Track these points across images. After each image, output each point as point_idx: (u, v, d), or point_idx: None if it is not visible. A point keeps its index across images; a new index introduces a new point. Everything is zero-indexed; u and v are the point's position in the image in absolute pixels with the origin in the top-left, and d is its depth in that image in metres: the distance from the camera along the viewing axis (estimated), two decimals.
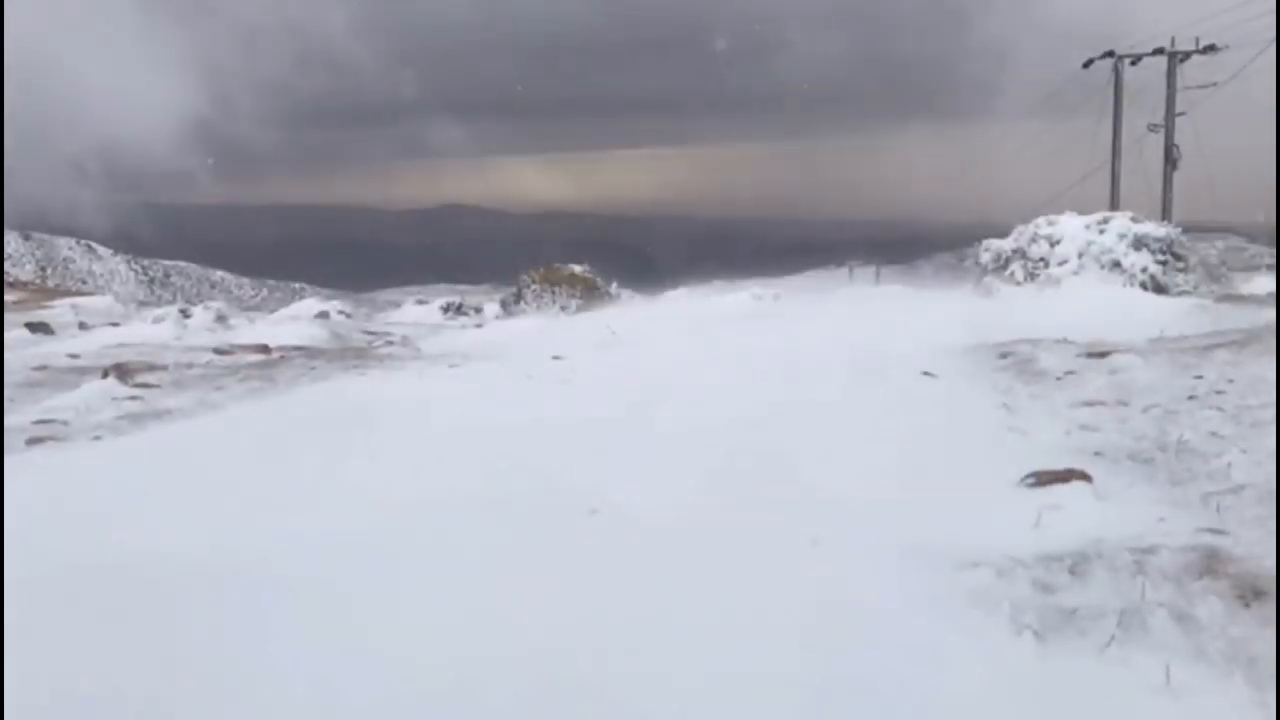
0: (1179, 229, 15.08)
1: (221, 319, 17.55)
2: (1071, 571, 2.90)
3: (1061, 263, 14.20)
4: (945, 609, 2.70)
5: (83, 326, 16.24)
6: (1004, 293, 13.80)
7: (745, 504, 3.77)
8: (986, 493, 3.80)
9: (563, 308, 21.53)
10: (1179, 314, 10.32)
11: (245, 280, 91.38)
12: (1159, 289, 13.54)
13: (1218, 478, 3.76)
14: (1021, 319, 9.55)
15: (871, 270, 46.55)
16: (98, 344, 12.91)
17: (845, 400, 5.89)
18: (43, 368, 9.41)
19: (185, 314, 17.31)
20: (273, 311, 26.00)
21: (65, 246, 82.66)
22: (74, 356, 10.86)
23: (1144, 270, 13.82)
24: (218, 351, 10.98)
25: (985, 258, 15.38)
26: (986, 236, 15.78)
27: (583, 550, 3.28)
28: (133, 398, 7.16)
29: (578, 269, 23.30)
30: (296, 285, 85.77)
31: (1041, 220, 15.15)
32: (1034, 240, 14.71)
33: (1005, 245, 15.14)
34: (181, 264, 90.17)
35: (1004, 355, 7.54)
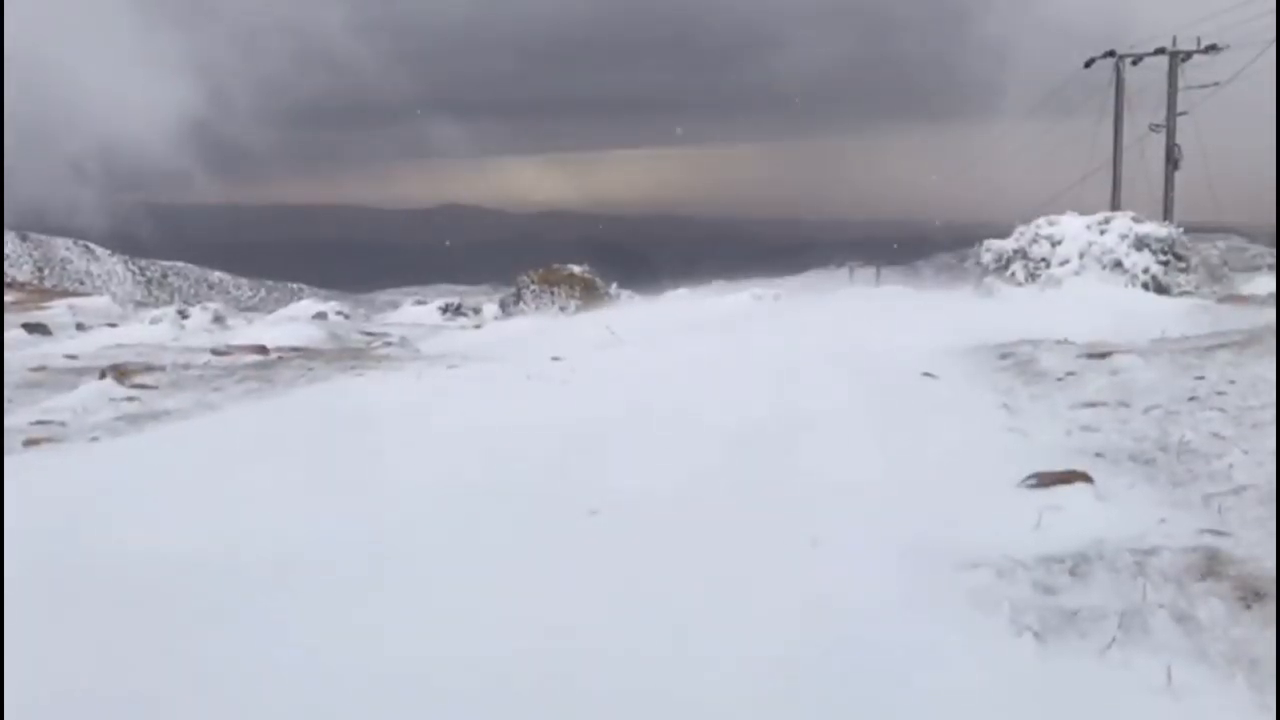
0: (1180, 229, 15.10)
1: (219, 320, 17.55)
2: (1072, 572, 2.88)
3: (1062, 263, 14.21)
4: (945, 610, 2.69)
5: (80, 327, 16.23)
6: (1005, 293, 13.80)
7: (745, 504, 3.76)
8: (987, 493, 3.78)
9: (562, 308, 21.53)
10: (1180, 314, 10.32)
11: (243, 281, 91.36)
12: (1160, 289, 13.55)
13: (1219, 479, 3.75)
14: (1022, 319, 9.53)
15: (872, 271, 46.53)
16: (95, 345, 12.91)
17: (845, 401, 5.87)
18: (40, 368, 9.40)
19: (183, 315, 17.32)
20: (270, 312, 26.02)
21: (63, 247, 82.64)
22: (71, 357, 10.85)
23: (1145, 270, 13.83)
24: (215, 352, 10.96)
25: (986, 258, 15.39)
26: (987, 237, 15.79)
27: (582, 550, 3.27)
28: (130, 399, 7.14)
29: (577, 269, 23.30)
30: (294, 286, 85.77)
31: (1042, 220, 15.17)
32: (1035, 240, 14.71)
33: (1006, 245, 15.15)
34: (179, 264, 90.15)
35: (1005, 356, 7.53)
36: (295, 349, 11.94)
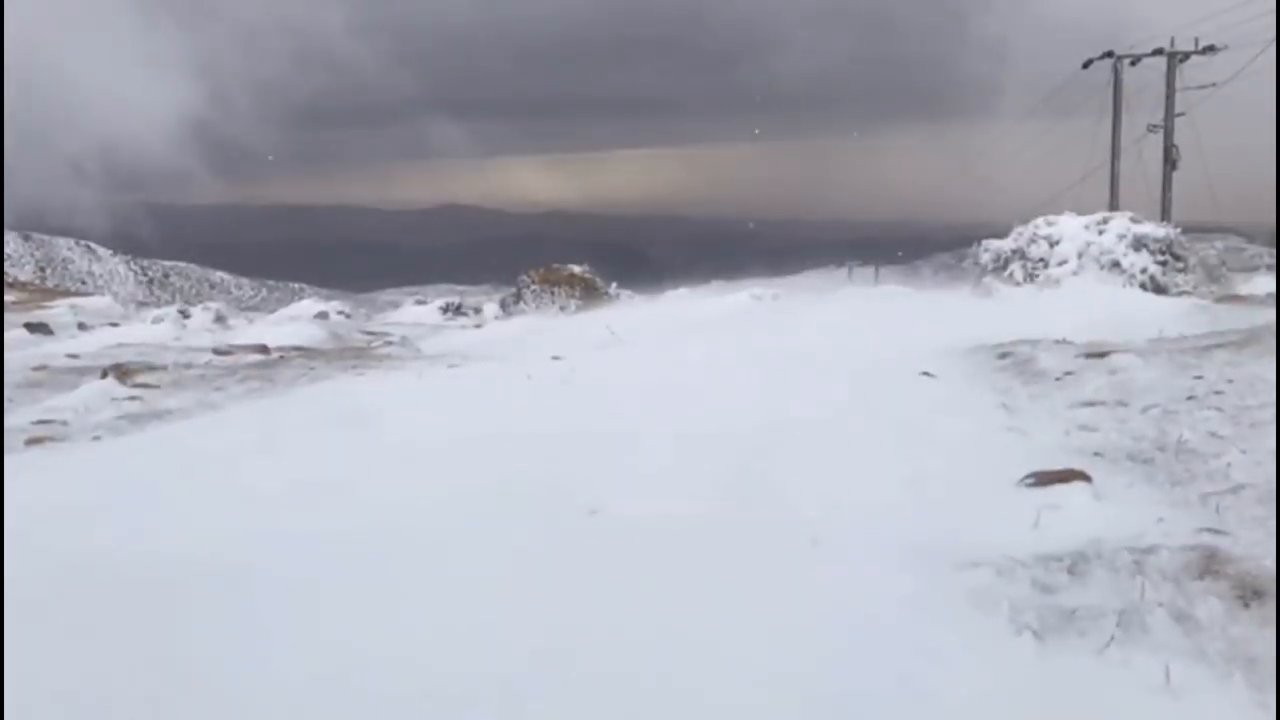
0: (1178, 229, 15.12)
1: (220, 319, 17.57)
2: (1071, 572, 2.89)
3: (1061, 263, 14.22)
4: (945, 609, 2.70)
5: (82, 327, 16.25)
6: (1003, 293, 13.82)
7: (744, 503, 3.77)
8: (986, 493, 3.79)
9: (562, 308, 21.55)
10: (1178, 314, 10.33)
11: (244, 280, 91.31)
12: (1158, 289, 13.56)
13: (1217, 478, 3.76)
14: (1021, 319, 9.54)
15: (871, 270, 46.48)
16: (97, 344, 12.93)
17: (844, 400, 5.88)
18: (42, 368, 9.41)
19: (184, 314, 17.35)
20: (272, 312, 26.01)
21: (64, 247, 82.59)
22: (73, 357, 10.87)
23: (1143, 270, 13.84)
24: (217, 352, 10.98)
25: (985, 258, 15.39)
26: (986, 237, 15.79)
27: (582, 550, 3.28)
28: (132, 398, 7.16)
29: (577, 269, 23.33)
30: (296, 285, 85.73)
31: (1041, 220, 15.17)
32: (1033, 240, 14.72)
33: (1005, 245, 15.16)
34: (181, 264, 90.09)
35: (1003, 355, 7.54)
36: (297, 348, 11.96)
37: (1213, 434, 4.41)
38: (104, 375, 7.98)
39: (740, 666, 2.41)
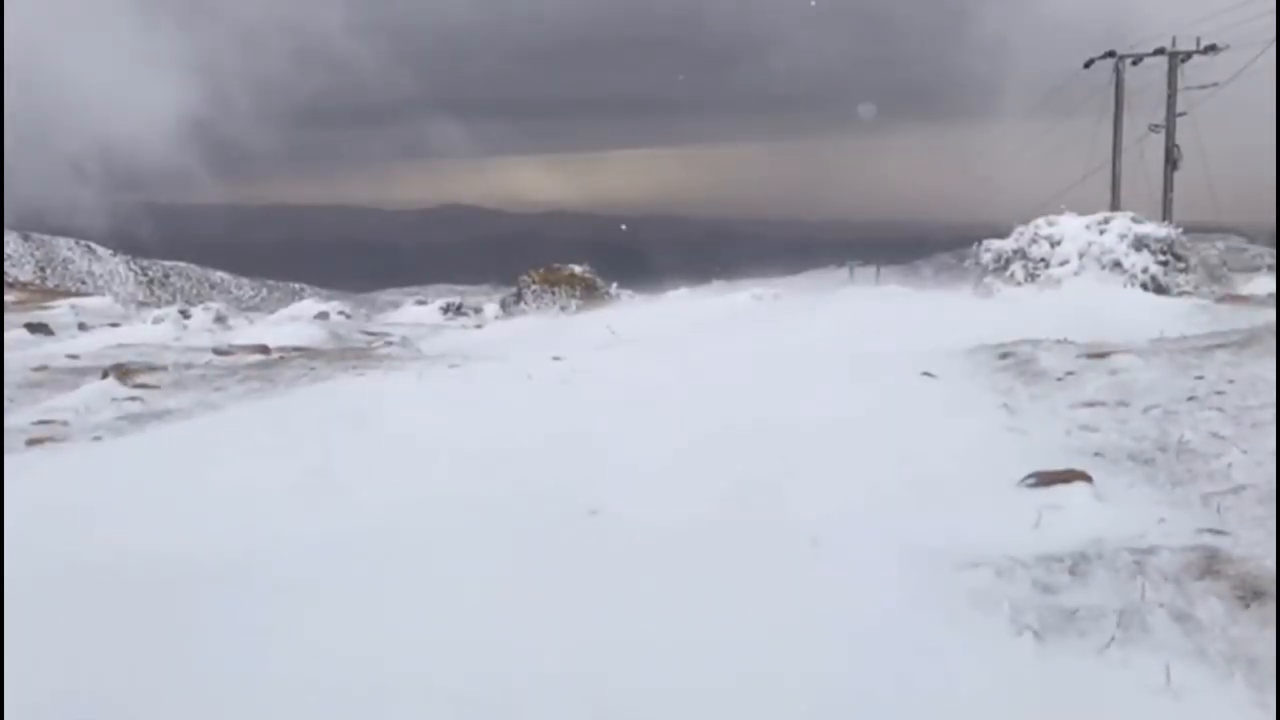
0: (1179, 229, 15.09)
1: (221, 319, 17.58)
2: (1071, 572, 2.89)
3: (1062, 263, 14.20)
4: (945, 609, 2.69)
5: (82, 327, 16.27)
6: (1004, 293, 13.80)
7: (744, 503, 3.77)
8: (987, 493, 3.79)
9: (562, 308, 21.55)
10: (1179, 314, 10.32)
11: (245, 281, 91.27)
12: (1159, 289, 13.54)
13: (1218, 478, 3.76)
14: (1022, 319, 9.53)
15: (871, 270, 46.45)
16: (97, 344, 12.93)
17: (844, 399, 5.88)
18: (42, 368, 9.41)
19: (185, 314, 17.35)
20: (272, 312, 26.01)
21: (65, 247, 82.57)
22: (73, 357, 10.86)
23: (1144, 271, 13.83)
24: (217, 352, 10.98)
25: (985, 258, 15.37)
26: (986, 237, 15.77)
27: (582, 551, 3.28)
28: (132, 398, 7.16)
29: (577, 269, 23.32)
30: (296, 286, 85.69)
31: (1042, 220, 15.15)
32: (1034, 240, 14.71)
33: (1005, 245, 15.14)
34: (181, 264, 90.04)
35: (1004, 355, 7.53)
36: (297, 349, 11.97)
37: (1214, 434, 4.41)
38: (104, 375, 7.98)
39: (738, 665, 2.41)
